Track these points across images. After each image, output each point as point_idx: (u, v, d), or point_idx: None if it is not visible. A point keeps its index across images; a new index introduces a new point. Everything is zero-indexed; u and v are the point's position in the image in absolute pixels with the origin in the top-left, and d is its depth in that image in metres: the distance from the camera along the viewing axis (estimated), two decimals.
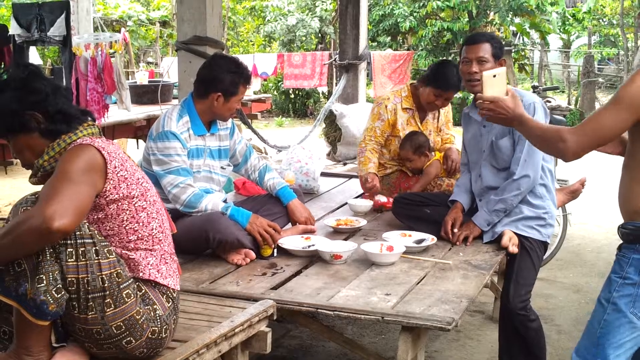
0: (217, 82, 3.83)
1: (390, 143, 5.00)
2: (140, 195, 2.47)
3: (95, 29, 9.65)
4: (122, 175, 2.41)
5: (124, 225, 2.43)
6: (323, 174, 5.84)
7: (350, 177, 5.93)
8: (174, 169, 3.73)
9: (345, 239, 4.02)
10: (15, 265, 2.17)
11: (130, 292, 2.34)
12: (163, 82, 8.91)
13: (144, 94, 8.96)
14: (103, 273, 2.25)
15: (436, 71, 4.79)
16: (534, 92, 6.31)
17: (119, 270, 2.32)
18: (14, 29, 6.83)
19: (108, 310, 2.27)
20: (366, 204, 4.72)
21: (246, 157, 4.22)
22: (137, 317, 2.35)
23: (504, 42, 4.41)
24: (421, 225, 4.06)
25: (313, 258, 3.70)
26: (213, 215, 3.68)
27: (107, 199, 2.38)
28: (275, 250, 3.75)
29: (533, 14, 16.91)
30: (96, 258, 2.25)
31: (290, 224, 4.15)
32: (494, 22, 17.06)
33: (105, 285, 2.26)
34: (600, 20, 23.56)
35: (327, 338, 3.89)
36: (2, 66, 6.85)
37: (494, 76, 3.00)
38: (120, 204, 2.41)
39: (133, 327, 2.33)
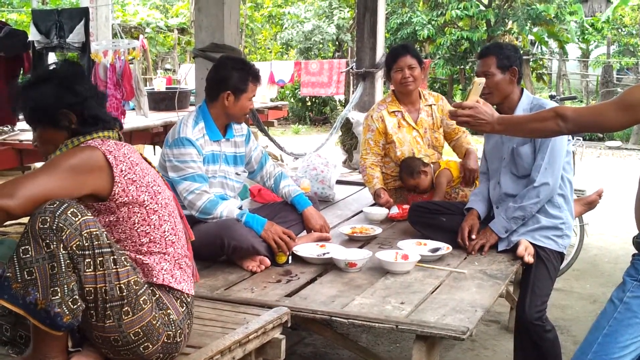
0: (226, 81, 3.85)
1: (390, 150, 5.00)
2: (150, 198, 2.47)
3: (114, 35, 9.72)
4: (130, 179, 2.41)
5: (136, 228, 2.43)
6: (339, 182, 5.83)
7: (365, 185, 5.91)
8: (190, 176, 3.74)
9: (360, 247, 4.01)
10: (25, 273, 2.14)
11: (146, 298, 2.34)
12: (180, 89, 8.95)
13: (162, 101, 9.00)
14: (121, 282, 2.25)
15: (385, 59, 5.14)
16: (552, 101, 6.27)
17: (136, 278, 2.32)
18: (33, 35, 6.91)
19: (126, 318, 2.27)
20: (381, 212, 4.71)
21: (262, 164, 4.23)
22: (153, 322, 2.35)
23: (522, 52, 4.44)
24: (437, 233, 4.05)
25: (328, 266, 3.69)
26: (228, 221, 3.69)
27: (117, 202, 2.38)
28: (290, 257, 3.75)
29: (551, 23, 16.86)
30: (114, 267, 2.24)
31: (305, 231, 4.14)
32: (512, 31, 17.02)
33: (124, 294, 2.26)
34: (620, 30, 23.39)
35: (341, 346, 3.88)
36: (22, 72, 6.93)
37: (479, 84, 3.11)
38: (131, 207, 2.41)
39: (150, 332, 2.34)
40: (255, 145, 4.21)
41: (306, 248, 3.85)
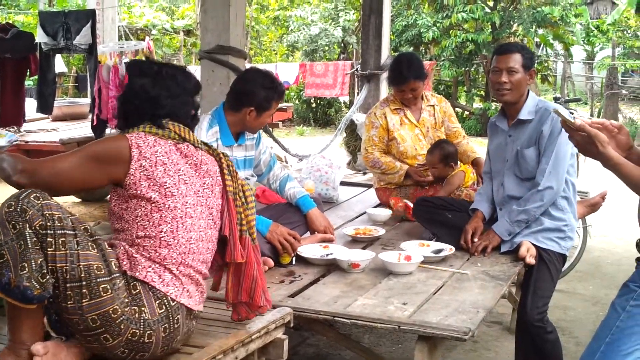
0: (251, 97, 3.84)
1: (392, 147, 5.04)
2: (160, 198, 2.49)
3: (120, 37, 9.77)
4: (145, 175, 2.47)
5: (137, 221, 2.49)
6: (342, 183, 5.85)
7: (369, 186, 5.93)
8: None
9: (364, 248, 4.03)
10: None
11: (108, 287, 2.33)
12: None
13: None
14: (81, 264, 2.28)
15: (390, 69, 5.09)
16: (556, 103, 6.30)
17: (100, 265, 2.33)
18: (40, 37, 6.96)
19: (84, 300, 2.29)
20: (385, 213, 4.73)
21: (270, 166, 4.25)
22: (113, 315, 2.33)
23: None
24: (442, 229, 4.07)
25: (331, 266, 3.71)
26: None
27: (129, 192, 2.48)
28: (294, 258, 3.77)
29: (557, 26, 16.88)
30: (77, 248, 2.28)
31: (309, 232, 4.17)
32: (518, 34, 17.03)
33: (82, 275, 2.28)
34: (625, 32, 23.39)
35: (343, 346, 3.91)
36: (28, 74, 6.98)
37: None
38: (139, 200, 2.48)
39: (108, 324, 2.33)
40: (265, 149, 4.23)
41: (310, 249, 3.86)
